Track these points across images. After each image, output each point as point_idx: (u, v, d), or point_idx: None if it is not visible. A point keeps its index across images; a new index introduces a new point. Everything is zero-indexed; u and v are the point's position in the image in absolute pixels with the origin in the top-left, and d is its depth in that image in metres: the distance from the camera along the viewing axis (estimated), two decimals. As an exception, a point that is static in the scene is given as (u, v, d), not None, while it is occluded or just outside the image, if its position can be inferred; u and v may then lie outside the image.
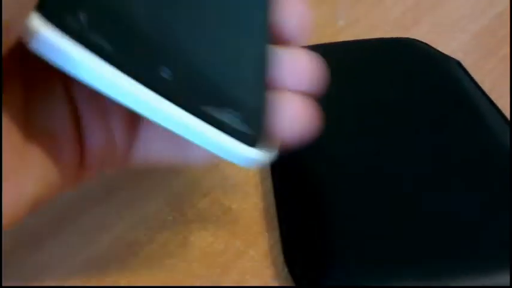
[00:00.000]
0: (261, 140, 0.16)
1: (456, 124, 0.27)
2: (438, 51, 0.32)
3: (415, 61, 0.32)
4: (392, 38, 0.35)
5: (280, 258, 0.23)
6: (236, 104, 0.16)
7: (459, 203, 0.23)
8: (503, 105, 0.29)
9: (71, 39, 0.13)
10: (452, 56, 0.32)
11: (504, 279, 0.21)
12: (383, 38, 0.35)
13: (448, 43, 0.36)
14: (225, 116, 0.15)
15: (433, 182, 0.24)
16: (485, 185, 0.24)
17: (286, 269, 0.23)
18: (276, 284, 0.23)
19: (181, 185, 0.27)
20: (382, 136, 0.27)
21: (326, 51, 0.21)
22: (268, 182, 0.27)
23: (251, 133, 0.16)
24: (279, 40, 0.18)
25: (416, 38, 0.34)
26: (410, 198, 0.24)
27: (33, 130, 0.16)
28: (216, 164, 0.28)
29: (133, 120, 0.19)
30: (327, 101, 0.19)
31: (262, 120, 0.16)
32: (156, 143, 0.19)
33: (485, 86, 0.30)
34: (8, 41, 0.13)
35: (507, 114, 0.28)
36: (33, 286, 0.24)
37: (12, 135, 0.15)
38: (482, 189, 0.24)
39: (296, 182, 0.26)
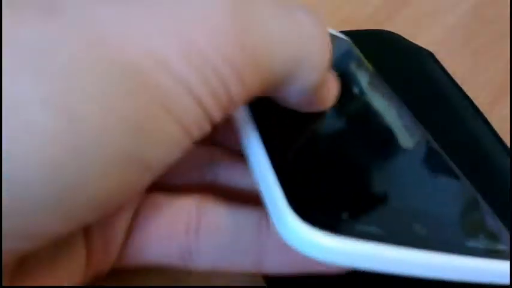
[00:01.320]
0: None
1: (428, 114, 0.27)
2: (411, 42, 0.32)
3: (388, 52, 0.32)
4: (365, 29, 0.34)
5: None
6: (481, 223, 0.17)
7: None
8: (475, 96, 0.29)
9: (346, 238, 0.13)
10: (425, 47, 0.32)
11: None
12: (357, 30, 0.34)
13: (421, 36, 0.36)
14: (483, 242, 0.16)
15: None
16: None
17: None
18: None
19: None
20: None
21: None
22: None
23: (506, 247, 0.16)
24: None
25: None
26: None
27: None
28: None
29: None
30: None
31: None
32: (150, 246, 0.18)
33: (457, 78, 0.30)
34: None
35: (479, 105, 0.28)
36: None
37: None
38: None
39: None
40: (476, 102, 0.28)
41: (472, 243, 0.16)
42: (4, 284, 0.12)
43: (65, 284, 0.15)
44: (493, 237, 0.17)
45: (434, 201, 0.18)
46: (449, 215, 0.17)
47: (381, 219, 0.15)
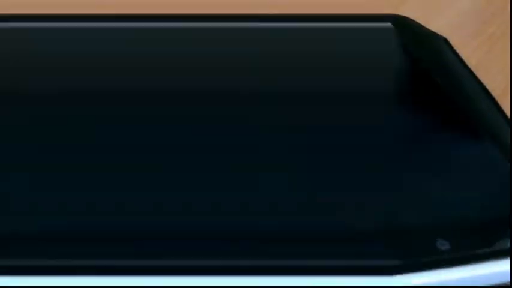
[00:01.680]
0: None
1: (442, 101, 0.27)
2: (425, 28, 0.32)
3: (402, 37, 0.31)
4: (379, 14, 0.34)
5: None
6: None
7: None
8: (489, 84, 0.29)
9: None
10: (439, 33, 0.32)
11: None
12: (370, 14, 0.34)
13: (435, 21, 0.36)
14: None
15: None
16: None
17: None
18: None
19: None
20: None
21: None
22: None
23: None
24: None
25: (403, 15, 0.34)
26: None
27: None
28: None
29: None
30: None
31: None
32: None
33: (471, 64, 0.30)
34: None
35: (493, 92, 0.28)
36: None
37: None
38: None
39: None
40: (491, 89, 0.28)
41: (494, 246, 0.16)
42: None
43: None
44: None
45: (455, 205, 0.17)
46: (469, 217, 0.17)
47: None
